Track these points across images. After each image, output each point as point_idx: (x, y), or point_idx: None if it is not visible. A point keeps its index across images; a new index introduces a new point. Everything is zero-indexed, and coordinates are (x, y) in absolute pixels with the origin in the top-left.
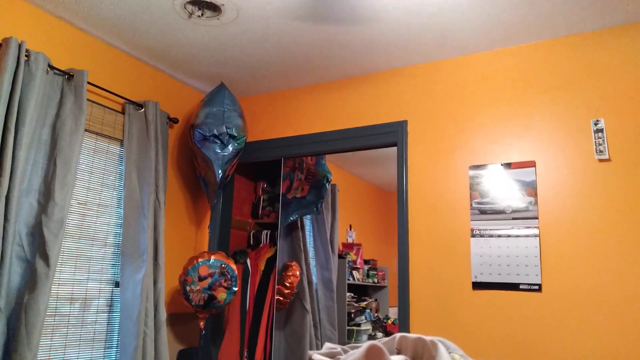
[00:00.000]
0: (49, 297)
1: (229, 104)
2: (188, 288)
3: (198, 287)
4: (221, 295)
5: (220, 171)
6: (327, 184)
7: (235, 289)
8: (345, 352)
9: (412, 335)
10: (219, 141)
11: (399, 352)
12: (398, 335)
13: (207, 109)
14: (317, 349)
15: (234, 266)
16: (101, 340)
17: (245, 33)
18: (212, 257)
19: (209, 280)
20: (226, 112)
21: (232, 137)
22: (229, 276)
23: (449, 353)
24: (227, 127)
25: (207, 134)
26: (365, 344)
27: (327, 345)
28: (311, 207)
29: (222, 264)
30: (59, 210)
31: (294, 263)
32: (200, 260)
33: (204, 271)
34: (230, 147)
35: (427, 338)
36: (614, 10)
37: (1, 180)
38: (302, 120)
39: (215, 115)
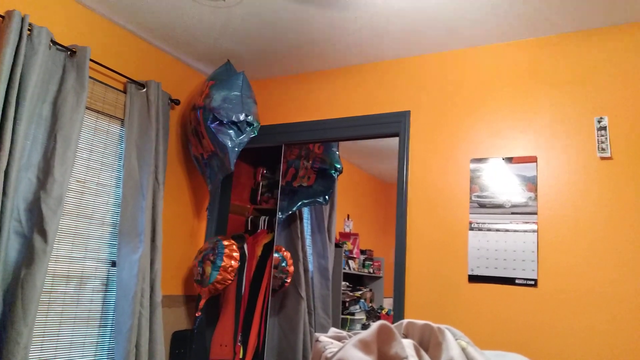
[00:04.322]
0: (45, 274)
1: (246, 88)
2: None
3: (196, 261)
4: (207, 269)
5: (234, 158)
6: (335, 174)
7: (220, 263)
8: (350, 337)
9: (419, 321)
10: (236, 128)
11: (405, 337)
12: (405, 321)
13: (224, 92)
14: (311, 335)
15: (226, 242)
16: (96, 318)
17: (250, 15)
18: (219, 237)
19: (203, 253)
20: (244, 98)
21: (249, 124)
22: (217, 251)
23: (456, 340)
24: (246, 115)
25: (225, 120)
26: (376, 323)
27: (333, 330)
28: (318, 197)
29: (216, 240)
30: (58, 187)
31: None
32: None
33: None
34: (245, 135)
35: (434, 325)
36: (621, 8)
37: (0, 154)
38: (303, 107)
39: (233, 100)
